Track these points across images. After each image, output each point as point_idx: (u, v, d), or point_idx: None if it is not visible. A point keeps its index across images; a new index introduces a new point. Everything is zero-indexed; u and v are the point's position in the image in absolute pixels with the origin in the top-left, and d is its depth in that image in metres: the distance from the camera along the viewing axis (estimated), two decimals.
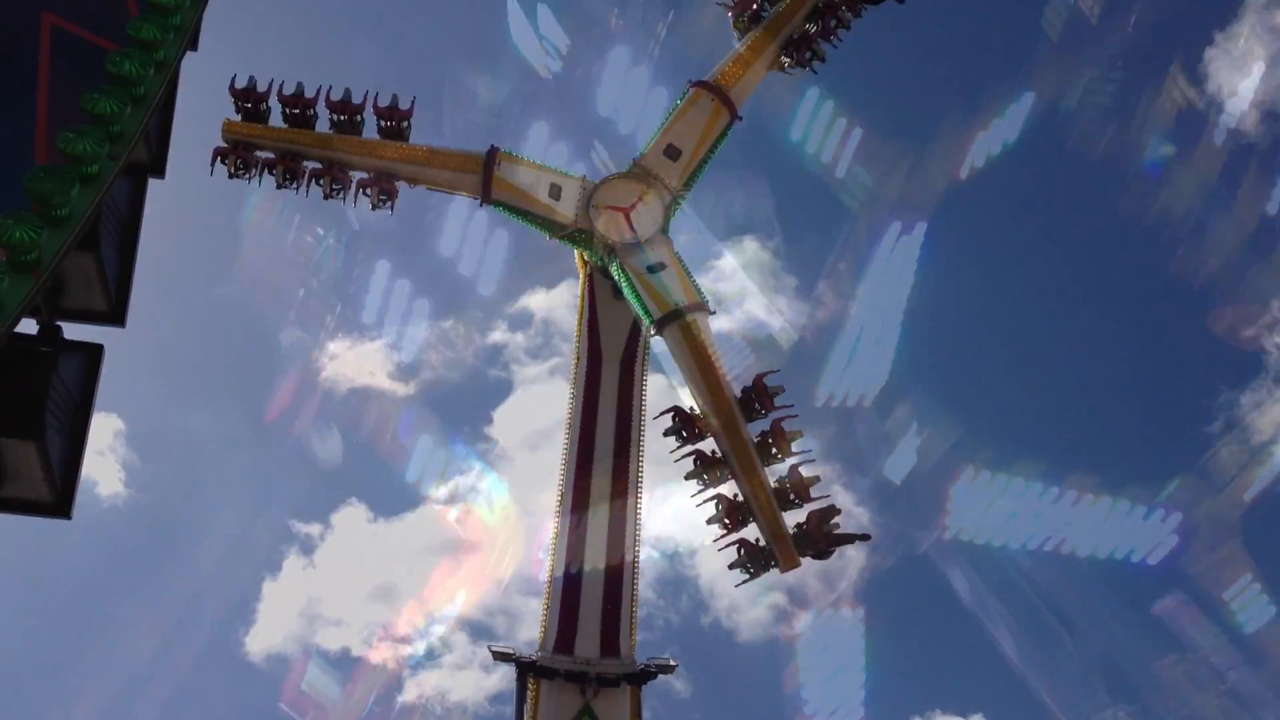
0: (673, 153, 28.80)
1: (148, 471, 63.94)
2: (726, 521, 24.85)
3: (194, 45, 14.54)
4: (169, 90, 13.97)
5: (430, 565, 63.14)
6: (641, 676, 26.37)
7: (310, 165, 26.75)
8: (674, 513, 27.76)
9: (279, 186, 26.94)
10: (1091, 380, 66.83)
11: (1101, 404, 67.83)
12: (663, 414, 25.65)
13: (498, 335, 67.94)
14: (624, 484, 27.05)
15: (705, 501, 25.05)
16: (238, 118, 26.94)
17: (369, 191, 26.84)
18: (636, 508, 26.96)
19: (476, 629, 63.39)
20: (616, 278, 27.34)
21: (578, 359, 28.15)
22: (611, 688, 26.05)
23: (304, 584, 61.68)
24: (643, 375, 27.95)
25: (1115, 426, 67.23)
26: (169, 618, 62.49)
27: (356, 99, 27.11)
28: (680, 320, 26.17)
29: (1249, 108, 60.11)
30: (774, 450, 25.21)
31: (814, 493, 24.90)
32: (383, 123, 27.33)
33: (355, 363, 70.01)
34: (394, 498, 75.18)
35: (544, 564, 27.30)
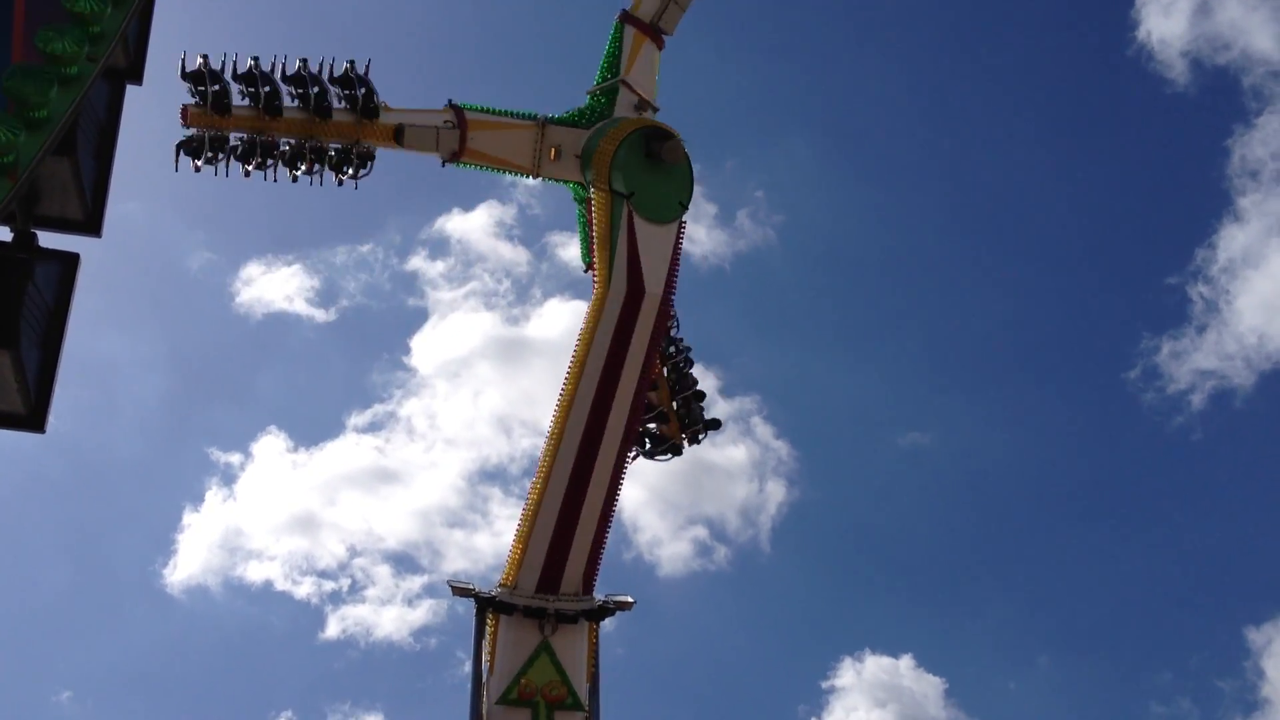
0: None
1: (60, 397, 62.76)
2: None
3: None
4: None
5: (351, 496, 62.46)
6: (600, 613, 26.18)
7: (283, 147, 24.78)
8: None
9: (248, 175, 25.01)
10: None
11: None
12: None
13: (416, 261, 67.19)
14: (633, 425, 26.30)
15: None
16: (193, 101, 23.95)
17: (347, 169, 25.15)
18: (627, 452, 26.36)
19: (399, 560, 63.01)
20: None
21: (602, 295, 25.64)
22: (570, 624, 25.91)
23: (224, 515, 60.78)
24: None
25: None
26: (85, 549, 61.66)
27: (312, 66, 24.90)
28: None
29: (1177, 55, 60.71)
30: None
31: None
32: (343, 91, 25.05)
33: (272, 288, 68.94)
34: (314, 427, 74.58)
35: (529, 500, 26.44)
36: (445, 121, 26.33)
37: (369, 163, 25.32)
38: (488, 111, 27.08)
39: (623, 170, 25.87)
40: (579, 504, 25.56)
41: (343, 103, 25.07)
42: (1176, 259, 70.83)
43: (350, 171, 25.28)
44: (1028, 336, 67.92)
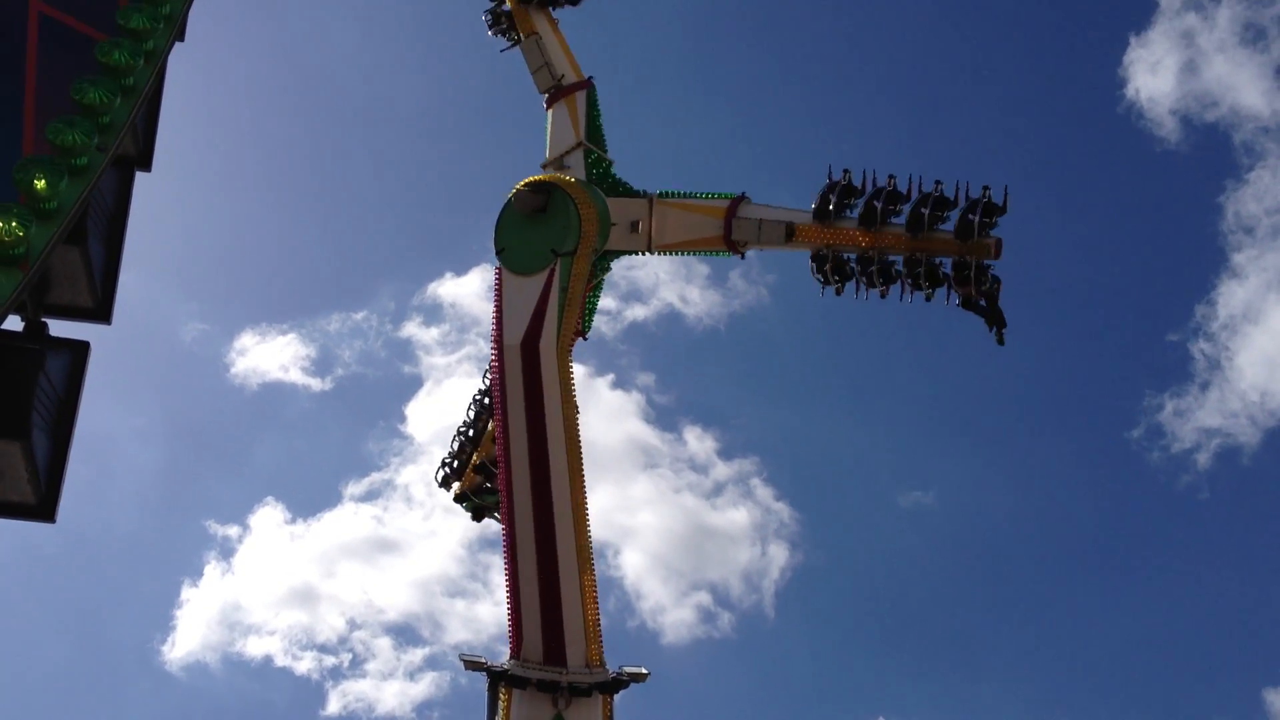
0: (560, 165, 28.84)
1: None
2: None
3: (181, 36, 14.21)
4: (157, 82, 13.63)
5: (350, 567, 62.15)
6: (614, 685, 25.99)
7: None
8: (598, 513, 27.06)
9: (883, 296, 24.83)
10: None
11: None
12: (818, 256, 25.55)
13: (410, 327, 67.29)
14: (577, 482, 26.10)
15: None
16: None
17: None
18: (585, 516, 26.18)
19: (400, 632, 62.53)
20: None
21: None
22: (584, 697, 25.69)
23: (223, 589, 60.37)
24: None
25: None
26: (83, 626, 61.13)
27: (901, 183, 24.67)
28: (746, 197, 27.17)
29: (1166, 113, 61.13)
30: None
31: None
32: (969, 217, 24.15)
33: (267, 357, 69.00)
34: (311, 497, 74.38)
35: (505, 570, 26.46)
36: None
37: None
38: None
39: (500, 229, 26.19)
40: (553, 565, 25.33)
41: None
42: (1177, 316, 70.98)
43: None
44: (1029, 394, 67.96)
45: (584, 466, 25.73)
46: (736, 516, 60.87)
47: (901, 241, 24.68)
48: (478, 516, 31.99)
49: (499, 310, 25.67)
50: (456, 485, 31.32)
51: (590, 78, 29.91)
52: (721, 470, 62.28)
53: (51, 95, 12.42)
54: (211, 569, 62.64)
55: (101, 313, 13.83)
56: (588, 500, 25.73)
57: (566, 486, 25.24)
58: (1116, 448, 64.52)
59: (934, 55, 71.02)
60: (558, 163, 28.66)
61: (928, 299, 24.71)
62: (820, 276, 25.53)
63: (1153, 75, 66.10)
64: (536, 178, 26.83)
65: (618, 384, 66.62)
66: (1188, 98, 63.13)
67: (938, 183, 24.71)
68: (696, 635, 59.71)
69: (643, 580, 59.83)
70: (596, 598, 25.84)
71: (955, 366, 68.87)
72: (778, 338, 68.34)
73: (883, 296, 25.05)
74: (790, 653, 63.82)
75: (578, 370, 27.23)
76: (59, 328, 13.39)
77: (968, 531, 65.53)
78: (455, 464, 31.16)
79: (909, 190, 24.82)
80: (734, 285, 65.09)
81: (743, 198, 27.00)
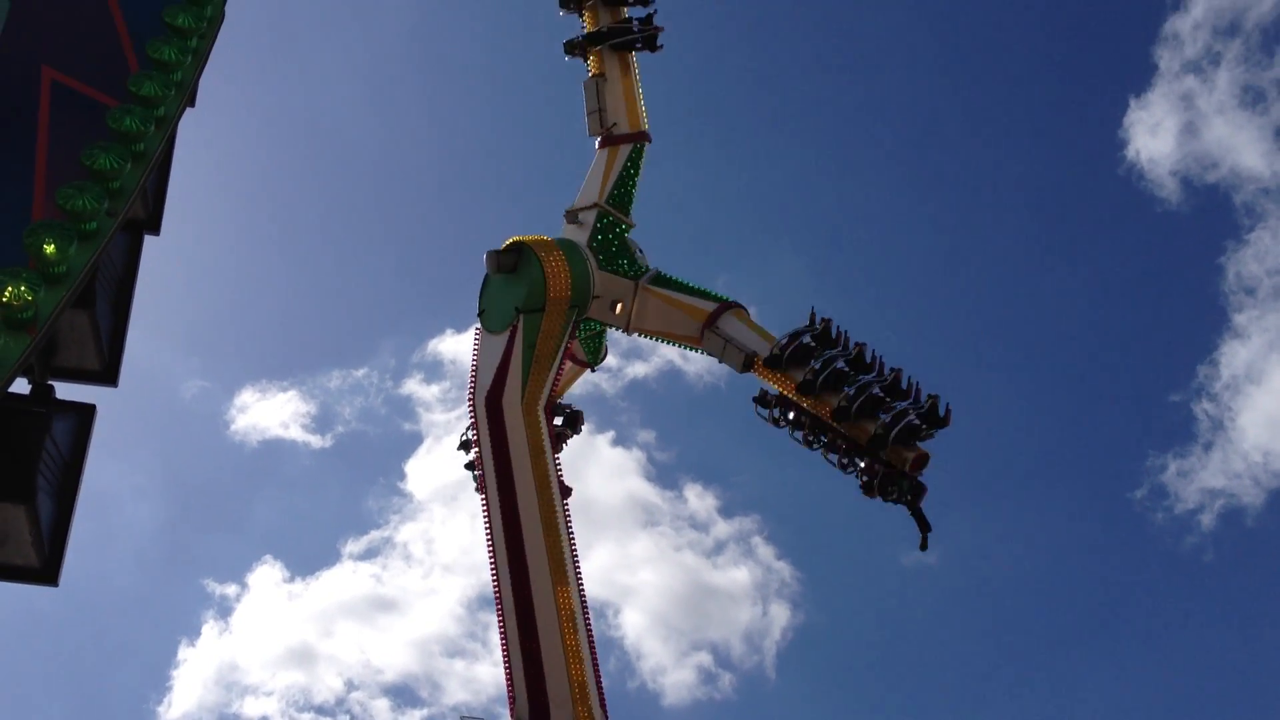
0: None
1: None
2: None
3: (192, 102, 14.32)
4: (167, 147, 13.73)
5: (348, 627, 61.55)
6: None
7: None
8: (597, 571, 26.98)
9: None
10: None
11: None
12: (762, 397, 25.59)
13: (411, 384, 67.17)
14: (552, 539, 25.96)
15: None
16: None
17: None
18: (576, 568, 26.02)
19: (398, 693, 61.96)
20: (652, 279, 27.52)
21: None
22: None
23: (220, 649, 59.87)
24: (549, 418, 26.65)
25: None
26: (80, 686, 60.48)
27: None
28: (740, 309, 26.85)
29: (1167, 174, 61.39)
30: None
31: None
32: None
33: (267, 414, 68.91)
34: (310, 555, 73.86)
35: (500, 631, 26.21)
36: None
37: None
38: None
39: (483, 291, 27.12)
40: (532, 624, 25.06)
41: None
42: (1179, 376, 70.72)
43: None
44: (1032, 454, 67.61)
45: (571, 523, 25.55)
46: (738, 575, 60.36)
47: (829, 418, 24.59)
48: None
49: (473, 368, 26.40)
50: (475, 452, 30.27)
51: (644, 132, 29.63)
52: (722, 528, 61.79)
53: (62, 160, 12.47)
54: (209, 628, 61.94)
55: (108, 375, 13.87)
56: (575, 557, 25.44)
57: (541, 543, 24.99)
58: (1120, 508, 64.18)
59: (939, 116, 71.36)
60: (574, 215, 28.63)
61: (845, 472, 24.71)
62: (761, 409, 25.63)
63: (1153, 137, 66.39)
64: (516, 239, 27.09)
65: (618, 441, 66.34)
66: (1188, 159, 63.37)
67: (896, 370, 24.39)
68: (697, 696, 58.96)
69: (643, 640, 59.14)
70: (583, 657, 25.42)
71: (957, 425, 68.45)
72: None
73: (811, 449, 25.09)
74: (792, 714, 63.03)
75: None
76: (66, 390, 13.43)
77: (970, 592, 65.00)
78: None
79: (872, 362, 24.62)
80: None
81: (731, 307, 26.77)
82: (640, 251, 28.47)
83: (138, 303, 14.16)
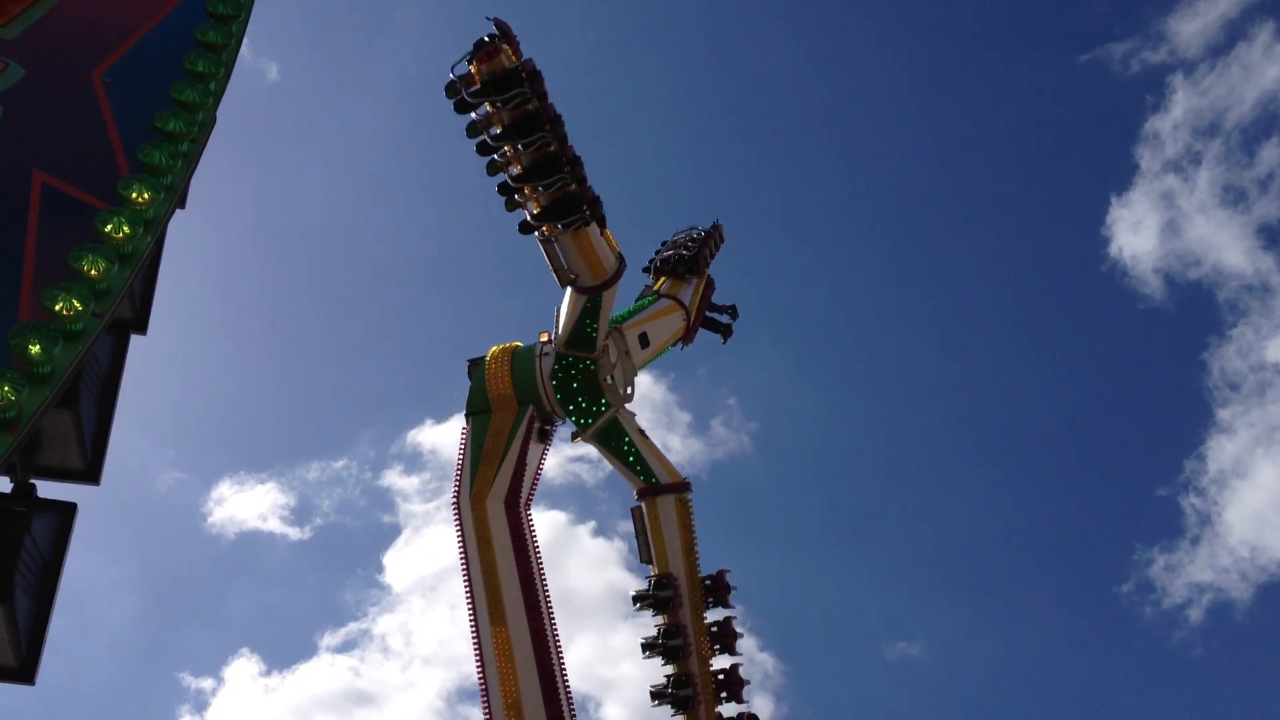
0: (644, 340, 29.97)
1: None
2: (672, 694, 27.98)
3: (182, 204, 14.54)
4: (156, 248, 13.91)
5: None
6: None
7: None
8: (578, 664, 27.29)
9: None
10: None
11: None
12: (653, 578, 27.40)
13: (390, 476, 66.82)
14: (543, 637, 26.23)
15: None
16: None
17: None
18: (560, 661, 26.30)
19: None
20: (598, 433, 28.36)
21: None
22: None
23: None
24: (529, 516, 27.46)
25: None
26: None
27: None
28: (680, 494, 27.96)
29: (1150, 272, 61.96)
30: (716, 645, 28.69)
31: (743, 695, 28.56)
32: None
33: (245, 506, 68.42)
34: (287, 648, 73.07)
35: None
36: None
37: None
38: None
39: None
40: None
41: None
42: (1166, 471, 70.95)
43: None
44: (1018, 547, 67.56)
45: (550, 604, 26.70)
46: (720, 667, 59.73)
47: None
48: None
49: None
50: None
51: (612, 276, 26.75)
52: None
53: (50, 262, 12.64)
54: None
55: (91, 474, 13.91)
56: (547, 650, 25.98)
57: (489, 636, 25.99)
58: (1107, 602, 64.05)
59: (924, 215, 72.16)
60: (548, 343, 28.81)
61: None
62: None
63: (1135, 235, 67.37)
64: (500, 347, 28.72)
65: (598, 532, 66.18)
66: (1170, 256, 64.21)
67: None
68: None
69: None
70: None
71: (943, 518, 68.64)
72: (760, 486, 68.23)
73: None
74: None
75: (557, 518, 27.58)
76: (47, 488, 13.48)
77: (955, 684, 64.62)
78: None
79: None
80: (716, 433, 65.25)
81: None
82: (613, 374, 28.77)
83: (120, 399, 14.26)
